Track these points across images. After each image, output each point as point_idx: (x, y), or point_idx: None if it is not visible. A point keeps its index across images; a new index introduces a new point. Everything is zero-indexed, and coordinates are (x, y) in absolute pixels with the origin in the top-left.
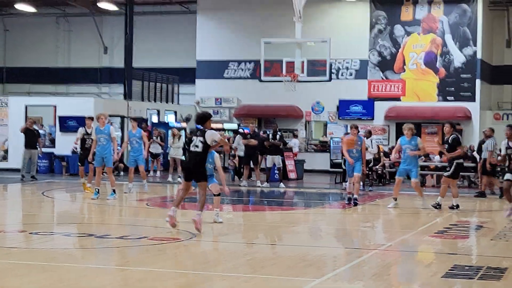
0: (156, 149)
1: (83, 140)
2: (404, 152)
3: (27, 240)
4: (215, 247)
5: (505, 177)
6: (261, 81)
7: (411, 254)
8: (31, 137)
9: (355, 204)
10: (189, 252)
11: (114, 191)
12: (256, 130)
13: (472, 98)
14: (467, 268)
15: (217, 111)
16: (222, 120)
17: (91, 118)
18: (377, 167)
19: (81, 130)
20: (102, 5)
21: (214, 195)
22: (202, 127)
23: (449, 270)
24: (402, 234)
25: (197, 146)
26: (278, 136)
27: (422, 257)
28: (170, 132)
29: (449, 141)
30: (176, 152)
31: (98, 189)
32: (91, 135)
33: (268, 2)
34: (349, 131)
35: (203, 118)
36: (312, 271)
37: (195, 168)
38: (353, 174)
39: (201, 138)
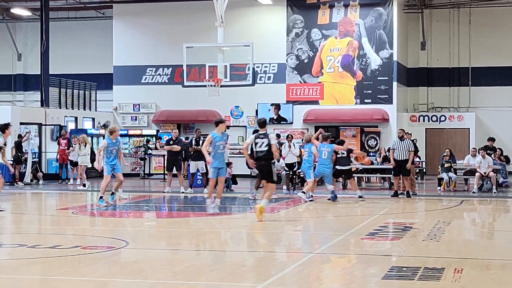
0: (76, 157)
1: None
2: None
3: None
4: (150, 254)
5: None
6: (184, 86)
7: (347, 256)
8: None
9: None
10: (125, 260)
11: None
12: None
13: (389, 101)
14: (405, 269)
15: (136, 117)
16: (141, 126)
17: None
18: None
19: None
20: (15, 11)
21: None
22: None
23: (388, 272)
24: (334, 236)
25: None
26: (201, 142)
27: (358, 260)
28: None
29: None
30: (83, 159)
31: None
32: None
33: (184, 6)
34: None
35: None
36: (253, 276)
37: None
38: None
39: None
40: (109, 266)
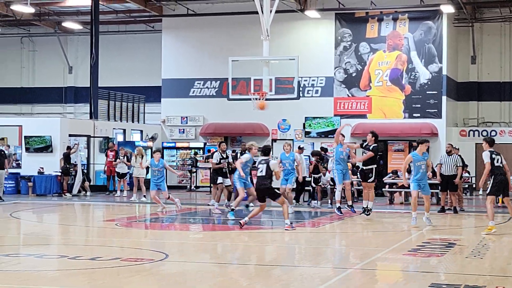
0: (123, 168)
1: None
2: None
3: None
4: (190, 267)
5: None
6: (229, 99)
7: (387, 272)
8: None
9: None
10: (165, 273)
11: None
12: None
13: (438, 115)
14: (444, 286)
15: (183, 130)
16: (188, 139)
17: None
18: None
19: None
20: (67, 24)
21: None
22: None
23: None
24: (376, 252)
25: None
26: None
27: (399, 276)
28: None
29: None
30: (139, 171)
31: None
32: None
33: (233, 20)
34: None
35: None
36: None
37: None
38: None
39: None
40: (147, 278)
